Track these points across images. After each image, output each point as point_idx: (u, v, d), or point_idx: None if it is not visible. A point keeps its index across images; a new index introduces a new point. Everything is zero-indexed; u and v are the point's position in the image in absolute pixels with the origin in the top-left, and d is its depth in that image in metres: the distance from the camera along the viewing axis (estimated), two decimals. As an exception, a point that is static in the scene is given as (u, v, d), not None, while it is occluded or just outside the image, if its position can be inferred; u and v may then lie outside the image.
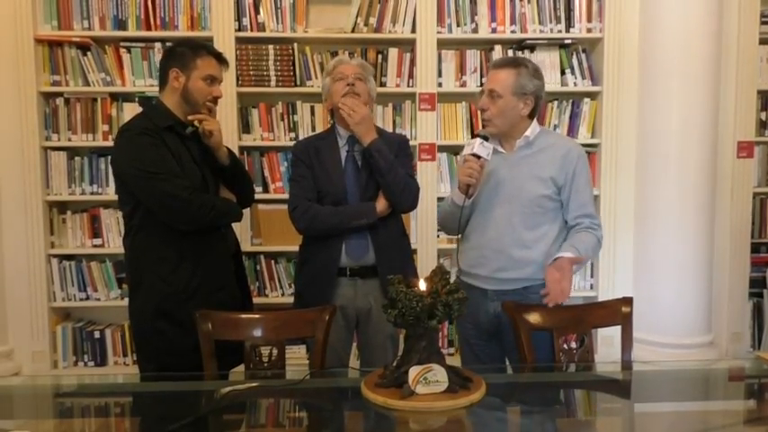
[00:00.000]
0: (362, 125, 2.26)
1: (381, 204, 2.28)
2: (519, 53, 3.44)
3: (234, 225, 2.38)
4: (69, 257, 3.39)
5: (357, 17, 3.35)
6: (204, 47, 2.22)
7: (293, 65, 3.34)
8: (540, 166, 2.15)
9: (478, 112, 3.44)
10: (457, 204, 2.16)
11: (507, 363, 2.22)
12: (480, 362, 2.24)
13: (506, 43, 3.47)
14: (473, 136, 2.13)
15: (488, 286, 2.17)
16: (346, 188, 2.31)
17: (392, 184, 2.26)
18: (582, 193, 2.15)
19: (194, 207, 2.07)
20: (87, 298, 3.38)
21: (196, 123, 2.18)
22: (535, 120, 2.21)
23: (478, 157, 2.07)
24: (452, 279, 2.23)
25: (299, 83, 3.36)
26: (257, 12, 3.32)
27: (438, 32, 3.36)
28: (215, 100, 2.23)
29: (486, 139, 2.10)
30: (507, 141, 2.20)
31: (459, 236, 2.25)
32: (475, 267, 2.19)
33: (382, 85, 3.38)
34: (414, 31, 3.35)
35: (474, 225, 2.21)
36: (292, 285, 3.41)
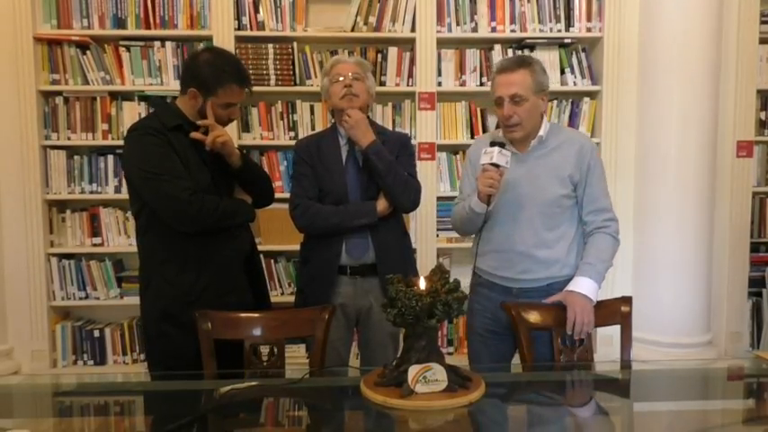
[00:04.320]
0: (356, 129, 2.26)
1: (382, 204, 2.28)
2: (518, 52, 3.45)
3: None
4: (69, 256, 3.39)
5: (357, 16, 3.35)
6: (228, 72, 2.08)
7: (293, 64, 3.34)
8: (557, 166, 2.13)
9: (478, 112, 3.46)
10: (477, 212, 2.12)
11: (518, 359, 2.21)
12: (490, 354, 2.22)
13: (506, 42, 3.47)
14: (491, 144, 2.06)
15: (513, 285, 2.17)
16: (347, 187, 2.30)
17: (392, 185, 2.25)
18: (595, 187, 2.15)
19: (194, 209, 2.03)
20: (87, 297, 3.38)
21: (196, 137, 2.12)
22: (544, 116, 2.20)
23: (497, 165, 2.03)
24: (468, 276, 2.23)
25: (298, 82, 3.36)
26: (257, 11, 3.32)
27: (438, 32, 3.36)
28: (229, 122, 2.18)
29: (502, 146, 2.05)
30: (521, 142, 2.16)
31: (478, 242, 2.23)
32: (499, 270, 2.18)
33: (382, 84, 3.38)
34: (413, 30, 3.35)
35: (495, 228, 2.17)
36: (292, 284, 3.42)
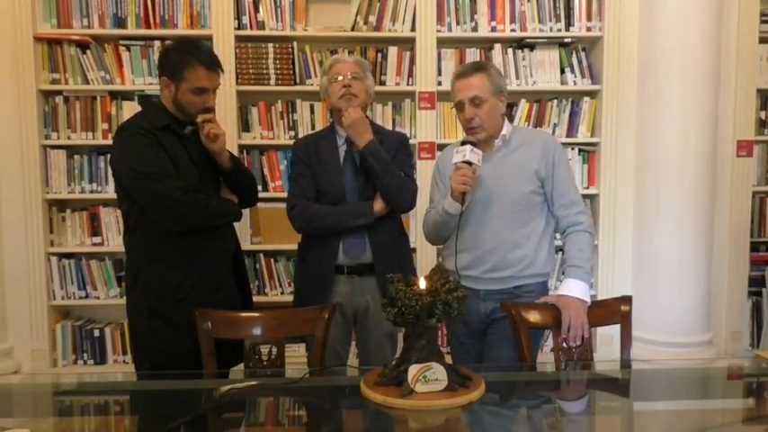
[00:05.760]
0: (354, 128, 2.26)
1: (379, 205, 2.28)
2: (519, 52, 3.45)
3: (234, 224, 2.37)
4: (69, 256, 3.39)
5: (357, 15, 3.35)
6: (193, 54, 2.10)
7: (293, 63, 3.34)
8: (522, 163, 2.17)
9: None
10: (450, 213, 2.14)
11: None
12: (473, 359, 2.25)
13: (506, 42, 3.47)
14: (462, 143, 2.11)
15: (480, 286, 2.18)
16: (345, 187, 2.30)
17: (388, 186, 2.25)
18: (562, 181, 2.18)
19: (187, 208, 2.05)
20: (87, 296, 3.38)
21: (200, 122, 2.14)
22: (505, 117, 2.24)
23: (470, 163, 2.06)
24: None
25: (298, 81, 3.36)
26: (257, 10, 3.32)
27: (438, 31, 3.36)
28: (207, 110, 2.16)
29: (474, 144, 2.09)
30: (486, 143, 2.19)
31: (456, 242, 2.23)
32: (467, 269, 2.19)
33: (382, 83, 3.38)
34: (413, 29, 3.35)
35: (465, 229, 2.19)
36: (292, 284, 3.42)
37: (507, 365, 2.09)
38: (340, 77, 2.31)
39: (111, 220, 3.36)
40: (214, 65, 2.15)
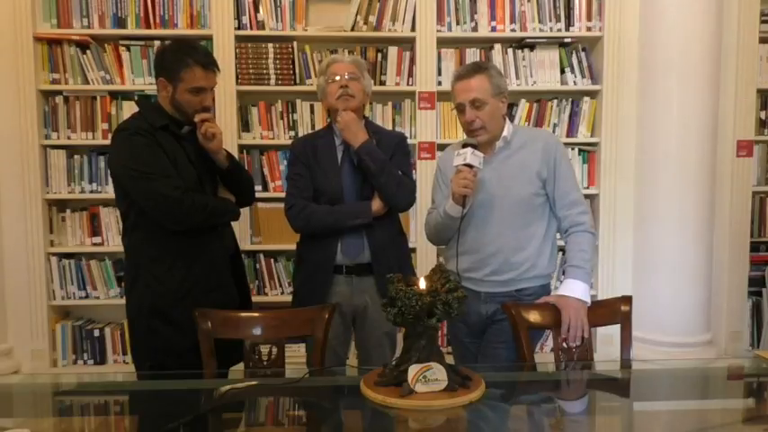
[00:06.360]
0: (348, 130, 2.26)
1: (377, 204, 2.28)
2: (519, 52, 3.45)
3: (233, 224, 2.37)
4: (69, 256, 3.39)
5: (357, 15, 3.35)
6: (190, 55, 2.12)
7: (293, 63, 3.34)
8: (524, 164, 2.15)
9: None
10: (452, 216, 2.13)
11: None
12: (474, 359, 2.25)
13: (506, 42, 3.47)
14: (463, 146, 2.10)
15: (482, 288, 2.17)
16: (343, 187, 2.30)
17: (385, 185, 2.25)
18: (564, 181, 2.16)
19: (185, 207, 2.06)
20: (87, 296, 3.39)
21: (197, 121, 2.16)
22: (506, 118, 2.23)
23: (471, 166, 2.05)
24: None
25: (298, 81, 3.36)
26: (257, 10, 3.32)
27: (438, 31, 3.36)
28: (205, 109, 2.18)
29: (475, 147, 2.08)
30: (487, 144, 2.18)
31: (457, 244, 2.23)
32: (469, 271, 2.19)
33: (382, 83, 3.38)
34: (413, 29, 3.35)
35: (466, 231, 2.19)
36: (291, 284, 3.41)
37: (507, 365, 2.09)
38: (337, 78, 2.30)
39: (111, 220, 3.36)
40: (210, 64, 2.17)
